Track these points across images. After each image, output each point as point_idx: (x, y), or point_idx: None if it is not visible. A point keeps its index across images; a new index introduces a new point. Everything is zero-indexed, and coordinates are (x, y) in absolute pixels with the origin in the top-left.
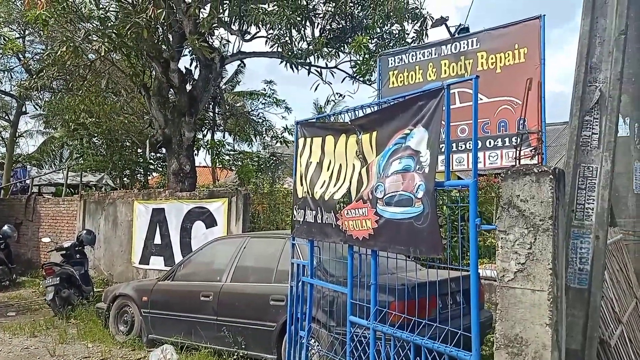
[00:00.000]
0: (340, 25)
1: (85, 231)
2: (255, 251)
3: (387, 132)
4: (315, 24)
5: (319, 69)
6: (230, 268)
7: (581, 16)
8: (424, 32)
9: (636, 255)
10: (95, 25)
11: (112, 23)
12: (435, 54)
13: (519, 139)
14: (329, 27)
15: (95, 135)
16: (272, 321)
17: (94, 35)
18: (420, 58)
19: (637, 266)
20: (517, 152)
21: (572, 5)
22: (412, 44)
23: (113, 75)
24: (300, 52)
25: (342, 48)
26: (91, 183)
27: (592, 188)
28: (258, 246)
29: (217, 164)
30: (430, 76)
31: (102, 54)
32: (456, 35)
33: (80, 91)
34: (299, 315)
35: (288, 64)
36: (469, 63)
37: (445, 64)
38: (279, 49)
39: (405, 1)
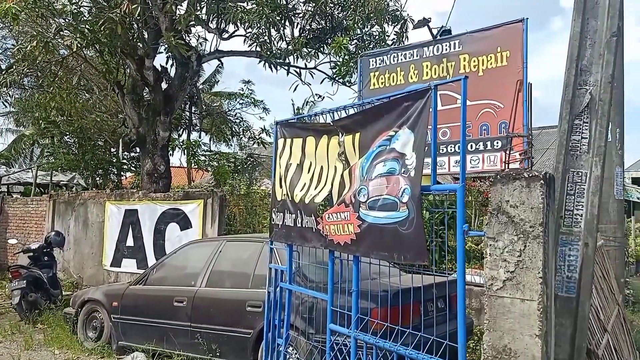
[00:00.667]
0: (320, 26)
1: (53, 232)
2: (231, 255)
3: (370, 133)
4: (295, 24)
5: (298, 70)
6: (205, 272)
7: (572, 17)
8: (404, 34)
9: (617, 261)
10: (67, 21)
11: (84, 18)
12: (417, 56)
13: (508, 143)
14: (308, 27)
15: (67, 133)
16: (249, 328)
17: (66, 31)
18: (401, 59)
19: (617, 272)
20: (507, 156)
21: (548, 11)
22: (392, 46)
23: (85, 73)
24: (279, 51)
25: (321, 49)
26: (62, 183)
27: (581, 194)
28: (234, 250)
29: (193, 165)
30: (412, 78)
31: (74, 49)
32: (438, 38)
33: (52, 88)
34: (276, 322)
35: (267, 64)
36: (451, 65)
37: (427, 65)
38: (258, 48)
39: (386, 3)
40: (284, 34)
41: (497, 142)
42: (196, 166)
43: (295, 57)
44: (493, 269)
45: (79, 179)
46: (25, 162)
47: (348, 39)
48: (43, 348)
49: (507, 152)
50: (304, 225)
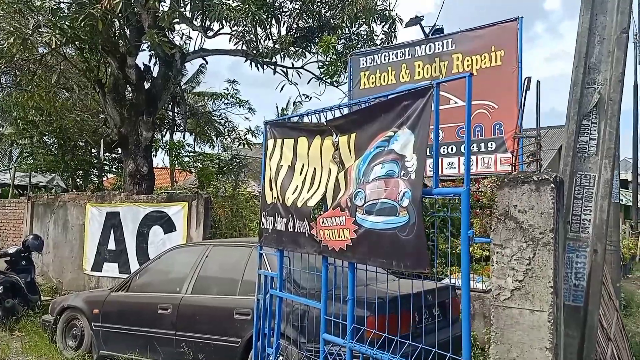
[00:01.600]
0: (308, 24)
1: (32, 236)
2: (218, 260)
3: (367, 134)
4: (282, 22)
5: (284, 69)
6: (191, 278)
7: (579, 13)
8: (393, 33)
9: (613, 266)
10: (46, 17)
11: (64, 14)
12: (409, 55)
13: (517, 144)
14: (295, 25)
15: (46, 133)
16: (237, 337)
17: (44, 27)
18: (393, 59)
19: (613, 276)
20: (514, 157)
21: (530, 14)
22: (381, 45)
23: (65, 71)
24: (265, 50)
25: (309, 48)
26: (41, 184)
27: (589, 198)
28: (221, 255)
29: (176, 166)
30: (403, 78)
31: (54, 46)
32: (430, 36)
33: (30, 87)
34: (266, 330)
35: (253, 63)
36: (444, 65)
37: (419, 65)
38: (244, 47)
39: (374, 2)
40: (270, 32)
41: (492, 144)
42: (179, 167)
43: (282, 56)
44: (500, 278)
45: (59, 180)
46: (3, 162)
47: (336, 38)
48: (21, 356)
49: (515, 153)
50: (296, 230)
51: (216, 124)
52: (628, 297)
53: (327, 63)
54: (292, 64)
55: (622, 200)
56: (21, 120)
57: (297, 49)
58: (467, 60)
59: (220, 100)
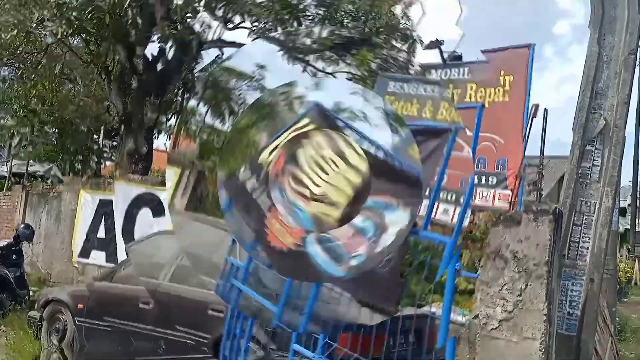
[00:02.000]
0: (350, 34)
1: (23, 225)
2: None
3: None
4: (302, 26)
5: (314, 71)
6: (170, 267)
7: (590, 35)
8: (412, 54)
9: (609, 290)
10: (51, 11)
11: (70, 7)
12: (437, 93)
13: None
14: (337, 32)
15: (47, 123)
16: (208, 333)
17: (49, 21)
18: (422, 92)
19: (608, 301)
20: (513, 195)
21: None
22: (415, 76)
23: (69, 63)
24: (301, 47)
25: (344, 57)
26: (38, 173)
27: (588, 225)
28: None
29: (182, 131)
30: (425, 113)
31: (59, 37)
32: (448, 62)
33: (33, 76)
34: (237, 331)
35: (286, 56)
36: (457, 93)
37: (444, 105)
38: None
39: (397, 20)
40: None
41: (493, 178)
42: (185, 132)
43: (315, 57)
44: (489, 307)
45: (56, 171)
46: (2, 154)
47: (373, 55)
48: (6, 353)
49: (514, 191)
50: None
51: (232, 103)
52: (623, 321)
53: (357, 77)
54: (323, 67)
55: (619, 228)
56: (22, 109)
57: (332, 55)
58: (481, 91)
59: (244, 81)
